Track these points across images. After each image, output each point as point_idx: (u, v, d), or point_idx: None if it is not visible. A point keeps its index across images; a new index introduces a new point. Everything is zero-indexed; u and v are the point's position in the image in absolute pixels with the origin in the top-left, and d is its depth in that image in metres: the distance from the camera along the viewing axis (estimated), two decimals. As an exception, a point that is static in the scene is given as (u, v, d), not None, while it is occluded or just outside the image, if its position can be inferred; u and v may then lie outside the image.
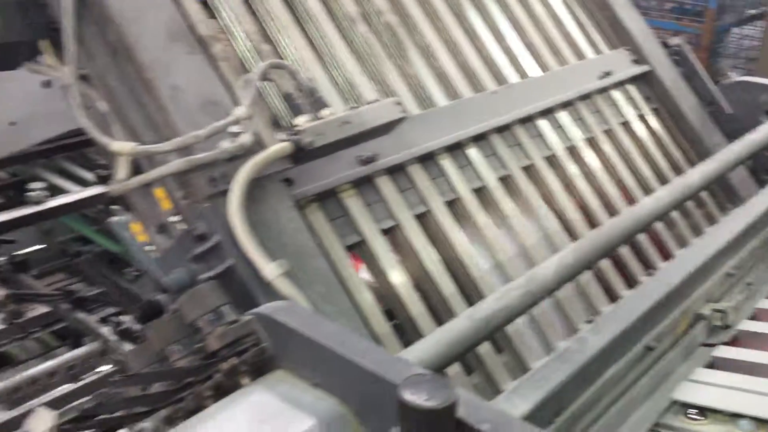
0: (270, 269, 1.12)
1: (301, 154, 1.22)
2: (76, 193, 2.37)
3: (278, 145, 1.20)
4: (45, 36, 1.29)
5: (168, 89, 1.21)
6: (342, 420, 0.94)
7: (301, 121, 1.27)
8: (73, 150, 2.86)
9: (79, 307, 2.27)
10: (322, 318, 1.04)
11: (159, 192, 1.23)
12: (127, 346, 2.11)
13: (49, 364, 2.16)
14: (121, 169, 1.25)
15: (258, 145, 1.24)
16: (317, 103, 1.31)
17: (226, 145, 1.19)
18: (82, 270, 2.69)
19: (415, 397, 0.78)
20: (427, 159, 1.56)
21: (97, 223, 2.70)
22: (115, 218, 1.18)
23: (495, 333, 1.24)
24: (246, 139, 1.19)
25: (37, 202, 2.27)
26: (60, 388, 2.17)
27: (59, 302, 2.26)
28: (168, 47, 1.25)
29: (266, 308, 1.03)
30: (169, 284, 1.10)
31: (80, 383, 2.19)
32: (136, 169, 1.28)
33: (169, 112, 1.20)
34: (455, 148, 1.62)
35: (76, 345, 2.37)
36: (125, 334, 2.13)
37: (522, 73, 1.89)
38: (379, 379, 0.90)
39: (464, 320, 1.19)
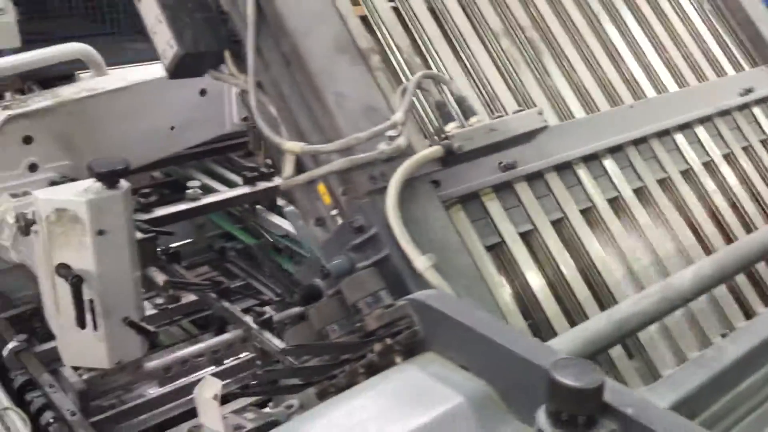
0: (421, 261, 1.22)
1: (450, 158, 1.32)
2: (226, 192, 2.58)
3: (431, 149, 1.31)
4: (227, 47, 1.46)
5: (334, 96, 1.35)
6: (488, 399, 1.03)
7: (451, 127, 1.37)
8: (219, 154, 3.11)
9: (224, 297, 2.47)
10: (471, 306, 1.13)
11: (321, 188, 1.36)
12: (267, 335, 2.28)
13: (197, 347, 2.35)
14: (288, 167, 1.40)
15: (410, 149, 1.35)
16: (466, 111, 1.40)
17: (383, 147, 1.30)
18: (227, 263, 2.93)
19: (565, 378, 0.85)
20: (564, 168, 1.62)
21: (240, 221, 2.92)
22: (289, 208, 1.32)
23: (630, 336, 1.29)
24: (402, 142, 1.30)
25: (193, 199, 2.49)
26: (205, 370, 2.36)
27: (208, 291, 2.46)
28: (334, 58, 1.39)
29: (420, 295, 1.14)
30: (331, 270, 1.23)
31: (222, 367, 2.37)
32: (299, 167, 1.42)
33: (334, 116, 1.33)
34: (591, 159, 1.67)
35: (219, 332, 2.57)
36: (265, 324, 2.30)
37: (660, 88, 1.92)
38: (528, 363, 0.98)
39: (601, 320, 1.24)
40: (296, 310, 2.51)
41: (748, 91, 2.02)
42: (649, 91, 1.89)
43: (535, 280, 1.46)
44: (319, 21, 1.41)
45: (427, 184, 1.36)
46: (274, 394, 1.33)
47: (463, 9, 1.70)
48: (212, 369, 2.37)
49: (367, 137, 1.29)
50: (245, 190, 2.58)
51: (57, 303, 1.97)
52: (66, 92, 2.57)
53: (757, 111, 2.04)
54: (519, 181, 1.53)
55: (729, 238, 1.76)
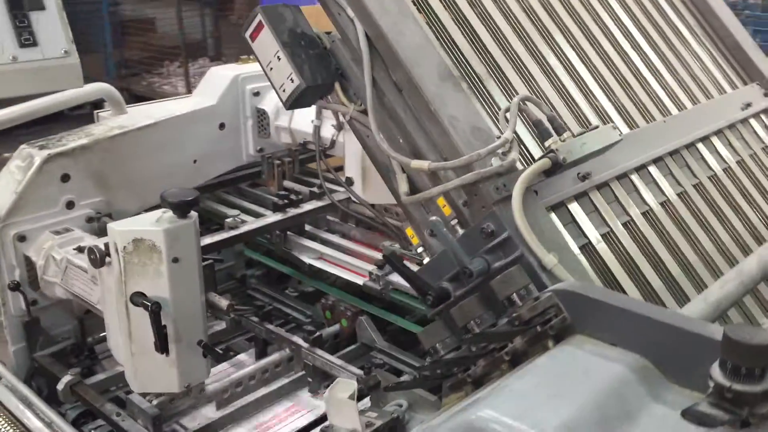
0: (549, 259, 1.39)
1: (554, 169, 1.50)
2: (262, 219, 2.68)
3: (541, 161, 1.49)
4: (336, 80, 1.60)
5: (447, 118, 1.51)
6: (646, 368, 1.19)
7: (550, 142, 1.55)
8: (230, 185, 3.21)
9: (266, 320, 2.57)
10: (611, 291, 1.30)
11: (440, 201, 1.52)
12: (319, 352, 2.38)
13: (249, 369, 2.43)
14: (403, 184, 1.55)
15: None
16: (558, 129, 1.59)
17: (498, 162, 1.48)
18: (249, 290, 3.01)
19: (742, 338, 1.03)
20: (623, 177, 1.83)
21: (256, 248, 3.01)
22: (433, 218, 1.46)
23: (721, 316, 1.50)
24: (515, 156, 1.48)
25: (233, 227, 2.58)
26: (256, 392, 2.44)
27: (249, 315, 2.55)
28: (441, 85, 1.56)
29: (564, 285, 1.30)
30: (474, 270, 1.38)
31: (272, 387, 2.45)
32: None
33: (450, 136, 1.49)
34: (641, 168, 1.90)
35: (261, 354, 2.65)
36: (317, 342, 2.41)
37: (679, 105, 2.17)
38: (684, 332, 1.16)
39: (700, 302, 1.45)
40: (334, 328, 2.63)
41: (748, 105, 2.30)
42: (672, 108, 2.14)
43: (621, 274, 1.65)
44: (423, 53, 1.58)
45: (532, 194, 1.53)
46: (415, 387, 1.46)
47: (521, 40, 1.90)
48: (264, 390, 2.44)
49: (486, 153, 1.46)
50: (278, 217, 2.69)
51: (129, 331, 2.03)
52: (97, 130, 2.63)
53: (753, 123, 2.32)
54: (592, 190, 1.73)
55: (754, 233, 2.01)
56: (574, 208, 1.67)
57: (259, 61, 1.61)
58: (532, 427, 1.06)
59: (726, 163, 2.13)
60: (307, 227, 2.88)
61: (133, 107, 2.91)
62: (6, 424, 2.23)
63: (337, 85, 1.60)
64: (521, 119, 1.68)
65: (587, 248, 1.64)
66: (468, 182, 1.45)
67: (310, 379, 2.42)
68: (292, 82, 1.54)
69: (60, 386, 2.33)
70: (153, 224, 1.98)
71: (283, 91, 1.57)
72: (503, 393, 1.18)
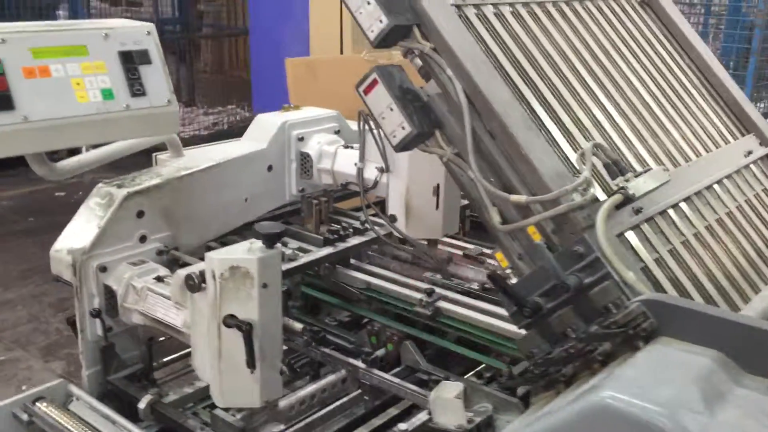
0: (629, 276, 1.69)
1: (626, 203, 1.81)
2: (316, 252, 2.93)
3: (615, 197, 1.79)
4: (436, 127, 1.90)
5: (536, 160, 1.81)
6: (725, 360, 1.49)
7: (617, 181, 1.87)
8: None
9: (321, 344, 2.80)
10: (689, 300, 1.59)
11: (531, 229, 1.81)
12: (377, 372, 2.63)
13: (312, 388, 2.65)
14: (495, 216, 1.84)
15: (589, 198, 1.84)
16: (622, 170, 1.91)
17: (579, 197, 1.78)
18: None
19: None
20: (662, 212, 2.16)
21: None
22: (538, 241, 1.74)
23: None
24: (593, 192, 1.78)
25: (293, 259, 2.83)
26: (316, 410, 2.66)
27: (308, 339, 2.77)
28: (527, 133, 1.86)
29: (651, 295, 1.60)
30: (571, 285, 1.66)
31: (330, 407, 2.67)
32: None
33: (540, 175, 1.80)
34: (674, 206, 2.22)
35: (315, 376, 2.88)
36: (374, 363, 2.65)
37: (696, 152, 2.52)
38: (754, 329, 1.45)
39: (748, 311, 1.76)
40: (381, 351, 2.86)
41: (749, 152, 2.67)
42: (691, 155, 2.49)
43: (672, 293, 1.96)
44: (510, 107, 1.89)
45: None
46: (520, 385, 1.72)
47: (574, 98, 2.23)
48: (323, 409, 2.66)
49: (572, 189, 1.76)
50: (330, 250, 2.95)
51: (219, 350, 2.25)
52: (165, 171, 2.87)
53: (754, 168, 2.70)
54: (642, 222, 2.05)
55: (764, 259, 2.35)
56: (631, 236, 1.99)
57: (370, 112, 1.89)
58: (649, 402, 1.34)
59: (737, 202, 2.48)
60: (352, 261, 3.13)
61: (188, 150, 3.15)
62: (96, 441, 2.41)
63: (437, 132, 1.90)
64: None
65: (645, 270, 1.95)
66: (560, 213, 1.74)
67: (366, 398, 2.66)
68: (404, 129, 1.82)
69: (141, 405, 2.52)
70: (247, 253, 2.23)
71: (394, 136, 1.85)
72: (617, 380, 1.46)
